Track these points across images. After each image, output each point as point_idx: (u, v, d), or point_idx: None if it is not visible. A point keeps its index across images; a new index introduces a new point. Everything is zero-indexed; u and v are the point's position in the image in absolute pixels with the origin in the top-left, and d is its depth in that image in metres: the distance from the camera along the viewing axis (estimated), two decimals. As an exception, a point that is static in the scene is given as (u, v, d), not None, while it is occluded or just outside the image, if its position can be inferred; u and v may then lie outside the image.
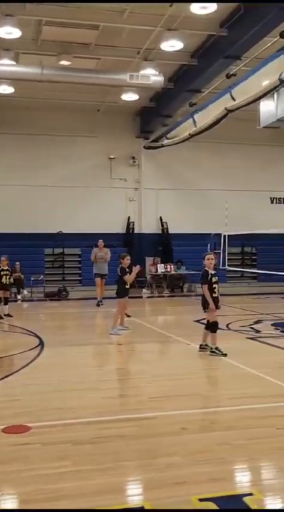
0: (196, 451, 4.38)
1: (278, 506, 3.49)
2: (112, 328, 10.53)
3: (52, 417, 5.32)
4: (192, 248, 20.39)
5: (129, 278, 10.52)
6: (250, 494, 3.62)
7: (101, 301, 15.34)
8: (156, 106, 19.37)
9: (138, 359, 8.90)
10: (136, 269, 10.52)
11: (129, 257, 10.80)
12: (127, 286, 10.65)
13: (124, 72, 15.12)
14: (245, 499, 3.53)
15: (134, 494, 3.78)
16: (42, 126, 20.30)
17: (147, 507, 3.45)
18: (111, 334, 10.39)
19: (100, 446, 4.53)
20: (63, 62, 14.87)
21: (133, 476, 4.04)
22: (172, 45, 13.66)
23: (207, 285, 8.27)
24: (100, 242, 15.82)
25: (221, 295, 8.69)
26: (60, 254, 20.87)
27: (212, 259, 8.42)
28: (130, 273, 10.53)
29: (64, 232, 20.55)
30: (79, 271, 21.10)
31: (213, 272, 8.38)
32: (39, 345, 9.38)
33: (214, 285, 8.31)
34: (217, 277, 8.44)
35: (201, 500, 3.51)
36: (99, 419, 5.23)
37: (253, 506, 3.44)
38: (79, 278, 21.00)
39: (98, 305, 15.18)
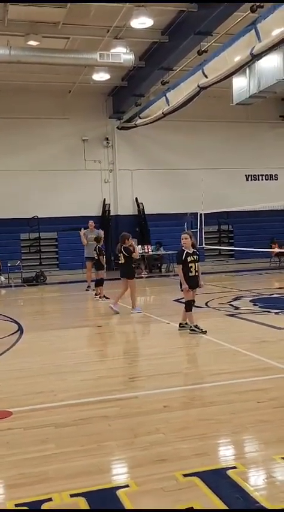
0: (179, 428, 4.40)
1: (262, 478, 3.52)
2: (134, 309, 10.63)
3: (33, 401, 5.28)
4: (169, 228, 20.44)
5: (136, 254, 10.67)
6: (234, 467, 3.65)
7: (89, 286, 14.85)
8: (128, 85, 19.15)
9: (118, 340, 8.91)
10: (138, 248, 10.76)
11: (131, 237, 10.88)
12: (134, 266, 10.75)
13: (95, 51, 14.87)
14: (229, 472, 3.56)
15: (118, 473, 3.78)
16: (12, 109, 19.93)
17: (131, 485, 3.45)
18: (133, 313, 10.55)
19: (83, 427, 4.52)
20: (32, 42, 14.54)
21: (116, 455, 4.03)
22: (142, 22, 13.46)
23: (181, 265, 8.28)
24: (91, 223, 15.27)
25: (201, 273, 8.70)
26: (36, 239, 20.70)
27: (186, 238, 8.41)
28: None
29: (39, 216, 20.36)
30: (57, 256, 20.99)
31: (190, 251, 8.37)
32: (18, 330, 9.32)
33: (190, 264, 8.31)
34: (195, 256, 8.44)
35: (185, 475, 3.52)
36: (81, 401, 5.22)
37: (237, 479, 3.46)
38: (57, 262, 20.90)
39: (87, 290, 14.78)
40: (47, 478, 3.62)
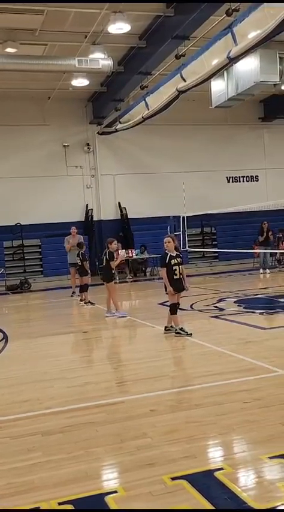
0: (166, 431, 4.41)
1: (249, 479, 3.54)
2: (117, 312, 10.65)
3: (20, 410, 5.25)
4: (153, 232, 20.48)
5: (114, 264, 10.59)
6: (221, 468, 3.66)
7: (74, 292, 14.79)
8: (107, 91, 19.17)
9: (104, 345, 8.90)
10: (121, 256, 10.66)
11: (116, 241, 10.86)
12: (113, 271, 10.78)
13: (73, 57, 14.86)
14: (217, 474, 3.58)
15: (106, 479, 3.77)
16: (-8, 116, 19.83)
17: (119, 491, 3.45)
18: (119, 316, 10.52)
19: (70, 435, 4.50)
20: (9, 50, 14.49)
21: (104, 461, 4.03)
22: (119, 27, 13.48)
23: (165, 268, 8.31)
24: (73, 229, 15.43)
25: (186, 276, 8.74)
26: (20, 246, 20.57)
27: (169, 241, 8.45)
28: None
29: (22, 223, 20.25)
30: (41, 262, 20.89)
31: (173, 254, 8.40)
32: (3, 338, 9.26)
33: (174, 267, 8.34)
34: (179, 259, 8.47)
35: (173, 479, 3.53)
36: (67, 408, 5.20)
37: (225, 481, 3.48)
38: (41, 269, 20.80)
39: (72, 295, 14.70)
40: (35, 486, 3.60)
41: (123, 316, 10.58)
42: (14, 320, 12.20)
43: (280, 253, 19.27)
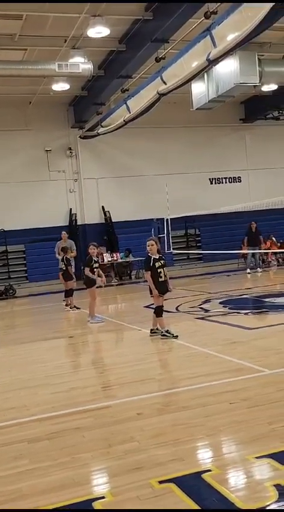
0: (153, 435, 4.40)
1: (237, 480, 3.55)
2: (91, 318, 10.53)
3: (6, 417, 5.21)
4: (137, 235, 20.46)
5: (86, 272, 10.49)
6: (209, 470, 3.67)
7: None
8: (88, 94, 19.14)
9: (90, 350, 8.88)
10: (99, 280, 10.59)
11: (92, 246, 10.78)
12: (94, 276, 10.63)
13: (53, 62, 14.81)
14: (204, 476, 3.58)
15: (94, 485, 3.75)
16: (-27, 122, 19.70)
17: (107, 496, 3.43)
18: (91, 323, 10.41)
19: (57, 441, 4.47)
20: (-12, 55, 14.42)
21: (91, 467, 4.00)
22: (98, 31, 13.48)
23: (149, 271, 8.31)
24: (64, 234, 15.44)
25: (169, 278, 8.75)
26: (4, 252, 20.43)
27: (152, 244, 8.46)
28: (97, 262, 10.67)
29: (6, 229, 20.11)
30: (25, 268, 20.76)
31: (156, 257, 8.41)
32: (-12, 346, 9.18)
33: (159, 270, 8.35)
34: (162, 261, 8.49)
35: (160, 482, 3.52)
36: (54, 414, 5.17)
37: (213, 482, 3.48)
38: (26, 275, 20.67)
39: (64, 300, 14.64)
40: (22, 495, 3.57)
41: (97, 322, 10.48)
42: (-1, 327, 12.11)
43: (264, 253, 19.40)
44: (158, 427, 4.61)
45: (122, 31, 14.67)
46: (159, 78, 13.36)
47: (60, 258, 13.64)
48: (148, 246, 8.41)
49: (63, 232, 15.64)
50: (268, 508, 3.14)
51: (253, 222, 18.31)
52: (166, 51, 13.26)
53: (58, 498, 3.45)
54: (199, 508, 3.19)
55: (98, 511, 3.29)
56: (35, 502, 3.44)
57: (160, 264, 8.38)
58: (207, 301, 12.19)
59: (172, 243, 19.48)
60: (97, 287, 10.84)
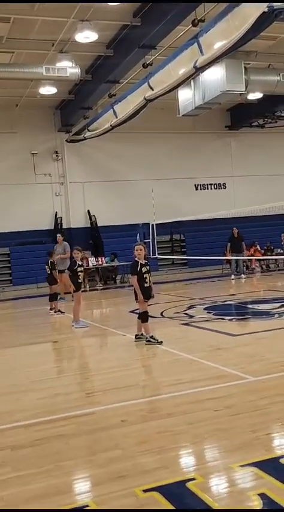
0: (137, 442, 4.39)
1: (220, 488, 3.55)
2: (76, 323, 10.48)
3: (-12, 424, 5.16)
4: (122, 239, 20.49)
5: (65, 278, 10.48)
6: (193, 479, 3.66)
7: (63, 297, 14.68)
8: (75, 99, 19.16)
9: (74, 355, 8.83)
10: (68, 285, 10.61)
11: (75, 250, 10.76)
12: (80, 280, 10.59)
13: (40, 65, 14.81)
14: (188, 484, 3.57)
15: (78, 493, 3.72)
16: None
17: (90, 505, 3.41)
18: (76, 327, 10.36)
19: (40, 448, 4.44)
20: (-25, 57, 14.36)
21: (75, 475, 3.98)
22: (86, 36, 13.51)
23: (136, 276, 8.31)
24: (59, 237, 15.77)
25: (154, 283, 8.76)
26: (-12, 255, 20.29)
27: (141, 249, 8.46)
28: (81, 266, 10.62)
29: (-10, 232, 19.99)
30: (10, 271, 20.61)
31: (143, 262, 8.41)
32: None
33: (145, 275, 8.35)
34: (148, 267, 8.50)
35: (144, 491, 3.51)
36: (38, 420, 5.13)
37: (197, 491, 3.48)
38: (10, 278, 20.52)
39: (60, 300, 14.29)
40: (4, 505, 3.52)
41: (81, 327, 10.45)
42: (-18, 331, 11.99)
43: (248, 259, 19.52)
44: (142, 434, 4.60)
45: (110, 36, 14.71)
46: (146, 84, 13.41)
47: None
48: (137, 250, 8.41)
49: (58, 234, 15.91)
50: (251, 516, 3.15)
51: (234, 228, 18.43)
52: (153, 57, 13.33)
53: (41, 506, 3.42)
54: (200, 509, 3.19)
55: (93, 511, 3.27)
56: (17, 510, 3.40)
57: (146, 269, 8.39)
58: (191, 306, 12.22)
59: (157, 248, 19.50)
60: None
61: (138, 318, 8.54)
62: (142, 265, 8.36)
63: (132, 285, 8.61)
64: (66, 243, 15.59)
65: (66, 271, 10.67)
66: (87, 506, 3.41)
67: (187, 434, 4.50)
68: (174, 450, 4.24)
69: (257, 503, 3.24)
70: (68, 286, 10.67)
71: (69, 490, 3.76)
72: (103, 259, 19.86)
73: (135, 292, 8.40)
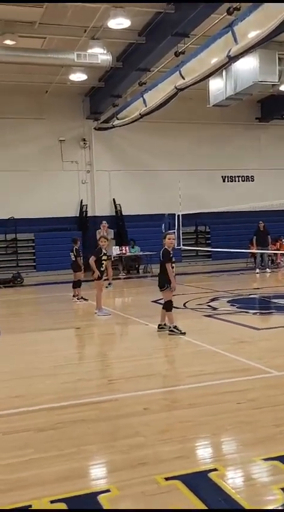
0: (159, 431, 4.39)
1: (243, 480, 3.53)
2: (99, 310, 10.53)
3: (12, 405, 5.21)
4: (146, 229, 20.45)
5: (91, 261, 10.50)
6: (215, 469, 3.65)
7: (110, 283, 14.80)
8: (105, 86, 19.07)
9: (96, 342, 8.87)
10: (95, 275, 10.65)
11: (102, 238, 10.86)
12: (102, 269, 10.61)
13: (72, 52, 14.76)
14: (210, 475, 3.56)
15: (99, 478, 3.75)
16: (-12, 109, 19.71)
17: (112, 490, 3.42)
18: (98, 315, 10.40)
19: (63, 431, 4.47)
20: (8, 42, 14.35)
21: (97, 460, 4.00)
22: (119, 22, 13.39)
23: (169, 263, 8.28)
24: (104, 223, 15.83)
25: (177, 274, 8.72)
26: (13, 240, 20.44)
27: (173, 238, 8.46)
28: (106, 255, 10.76)
29: (16, 217, 20.13)
30: (34, 257, 20.77)
31: (172, 252, 8.41)
32: (-5, 333, 9.19)
33: (173, 265, 8.34)
34: (174, 257, 8.49)
35: (166, 479, 3.51)
36: (60, 404, 5.17)
37: (219, 481, 3.46)
38: (34, 264, 20.68)
39: (107, 287, 14.20)
40: (27, 484, 3.56)
41: (104, 315, 10.48)
42: (5, 314, 12.12)
43: (273, 253, 19.31)
44: (164, 423, 4.59)
45: (143, 23, 14.56)
46: (178, 72, 13.25)
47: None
48: (169, 239, 8.38)
49: (104, 221, 15.92)
50: (272, 509, 3.12)
51: (261, 222, 18.25)
52: (186, 45, 13.15)
53: (63, 489, 3.44)
54: (200, 508, 3.17)
55: (97, 511, 3.28)
56: (39, 491, 3.43)
57: (173, 259, 8.39)
58: (214, 299, 12.15)
59: (182, 239, 19.41)
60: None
61: (163, 307, 8.51)
62: (171, 255, 8.36)
63: (155, 275, 8.58)
64: (111, 230, 15.69)
65: (91, 258, 10.68)
66: (108, 490, 3.42)
67: (209, 426, 4.48)
68: (196, 440, 4.23)
69: (281, 497, 3.21)
70: (93, 272, 10.70)
71: (90, 474, 3.79)
72: (127, 248, 19.85)
73: (161, 280, 8.35)
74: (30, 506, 3.25)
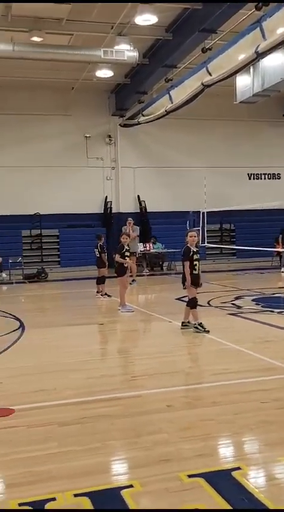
0: (182, 428, 4.38)
1: (266, 479, 3.50)
2: (122, 307, 10.56)
3: (36, 399, 5.26)
4: (171, 226, 20.43)
5: (117, 258, 10.55)
6: (238, 468, 3.62)
7: (134, 280, 14.93)
8: (131, 82, 19.08)
9: (120, 338, 8.89)
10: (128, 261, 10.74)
11: (124, 235, 10.93)
12: (126, 265, 10.66)
13: (98, 48, 14.81)
14: (234, 474, 3.54)
15: (122, 473, 3.75)
16: (15, 105, 19.89)
17: (135, 486, 3.42)
18: (122, 312, 10.43)
19: (86, 426, 4.49)
20: (35, 38, 14.47)
21: (120, 455, 4.01)
22: (146, 19, 13.39)
23: (188, 262, 8.26)
24: (129, 220, 15.95)
25: (202, 272, 8.69)
26: (38, 235, 20.65)
27: (195, 236, 8.43)
28: (128, 251, 10.76)
29: (41, 213, 20.31)
30: (58, 253, 20.93)
31: (194, 249, 8.37)
32: (19, 327, 9.29)
33: (195, 262, 8.31)
34: (198, 255, 8.45)
35: (189, 476, 3.50)
36: (84, 399, 5.19)
37: (242, 480, 3.44)
38: (58, 259, 20.84)
39: (130, 283, 14.11)
40: (50, 477, 3.59)
41: (127, 312, 10.49)
42: (30, 309, 12.25)
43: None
44: (187, 420, 4.58)
45: (170, 19, 14.53)
46: (205, 69, 13.17)
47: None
48: (191, 236, 8.37)
49: (129, 218, 16.00)
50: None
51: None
52: (213, 41, 13.07)
53: (86, 483, 3.46)
54: (225, 508, 3.15)
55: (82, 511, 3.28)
56: (63, 484, 3.45)
57: (197, 256, 8.36)
58: (239, 297, 12.07)
59: (206, 236, 19.31)
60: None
61: (187, 305, 8.49)
62: (194, 252, 8.32)
63: (179, 272, 8.56)
64: (137, 226, 15.84)
65: (116, 255, 10.71)
66: (132, 486, 3.42)
67: (233, 424, 4.45)
68: (219, 439, 4.21)
69: (306, 499, 3.18)
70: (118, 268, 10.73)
71: (113, 469, 3.80)
72: (151, 245, 19.84)
73: (184, 278, 8.35)
74: (54, 499, 3.28)
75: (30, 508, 3.21)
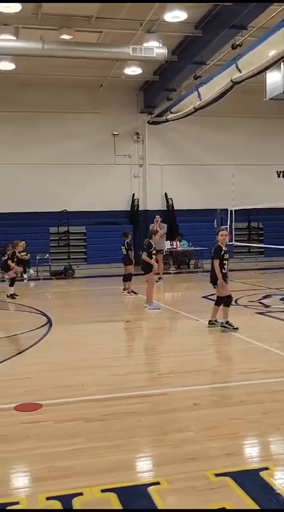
0: (209, 427, 4.34)
1: (295, 481, 3.45)
2: (149, 304, 10.58)
3: (63, 394, 5.29)
4: (198, 224, 20.33)
5: (144, 257, 10.55)
6: (266, 468, 3.58)
7: (160, 278, 14.99)
8: (159, 80, 19.02)
9: (146, 336, 8.88)
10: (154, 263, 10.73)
11: (160, 232, 10.93)
12: (151, 261, 10.67)
13: (127, 45, 14.80)
14: (262, 473, 3.49)
15: (147, 470, 3.75)
16: (44, 103, 20.03)
17: (161, 483, 3.41)
18: (149, 309, 10.45)
19: (112, 423, 4.50)
20: (65, 36, 14.54)
21: (146, 452, 4.01)
22: (175, 16, 13.32)
23: (218, 260, 8.19)
24: (157, 218, 15.92)
25: (229, 270, 8.61)
26: (65, 233, 20.78)
27: (226, 235, 8.37)
28: (155, 250, 10.81)
29: (68, 210, 20.43)
30: (85, 250, 21.04)
31: (225, 248, 8.31)
32: (47, 323, 9.37)
33: (224, 261, 8.25)
34: (228, 254, 8.40)
35: (217, 475, 3.47)
36: (110, 396, 5.20)
37: (270, 480, 3.40)
38: (85, 256, 20.95)
39: (157, 281, 14.02)
40: (77, 472, 3.60)
41: (154, 309, 10.47)
42: (57, 306, 12.34)
43: None
44: (214, 419, 4.55)
45: (199, 16, 14.42)
46: (234, 65, 13.03)
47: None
48: (222, 235, 8.31)
49: (157, 216, 15.97)
50: None
51: None
52: (243, 38, 12.92)
53: (113, 479, 3.46)
54: (253, 509, 3.12)
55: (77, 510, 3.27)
56: (88, 480, 3.46)
57: (227, 256, 8.30)
58: (267, 296, 11.94)
59: (234, 235, 19.15)
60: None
61: (218, 303, 8.36)
62: (224, 251, 8.26)
63: (206, 271, 8.50)
64: (165, 224, 15.85)
65: (143, 253, 10.71)
66: (158, 483, 3.41)
67: (261, 424, 4.40)
68: (247, 438, 4.17)
69: None
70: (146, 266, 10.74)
71: (140, 466, 3.79)
72: (178, 243, 19.78)
73: (213, 276, 8.27)
74: (81, 494, 3.28)
75: (57, 502, 3.22)
